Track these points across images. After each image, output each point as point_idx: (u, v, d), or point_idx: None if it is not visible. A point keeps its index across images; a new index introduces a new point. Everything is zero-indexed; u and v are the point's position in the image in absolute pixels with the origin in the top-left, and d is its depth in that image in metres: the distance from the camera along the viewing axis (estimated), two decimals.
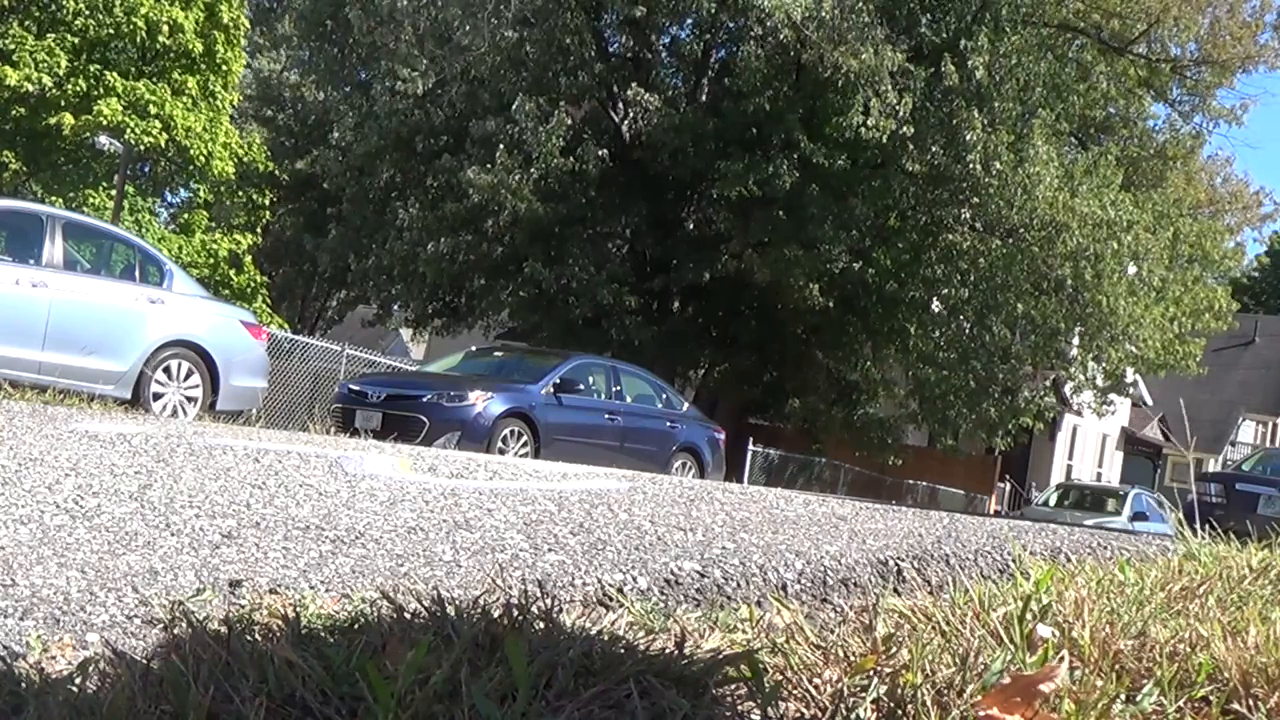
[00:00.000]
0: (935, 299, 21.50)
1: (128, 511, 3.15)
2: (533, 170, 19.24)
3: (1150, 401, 36.11)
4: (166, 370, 9.32)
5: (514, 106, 19.52)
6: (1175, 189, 24.39)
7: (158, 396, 9.25)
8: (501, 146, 19.22)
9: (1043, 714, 1.67)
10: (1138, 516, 20.31)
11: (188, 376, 9.45)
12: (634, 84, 20.13)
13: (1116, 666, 2.00)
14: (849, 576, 3.15)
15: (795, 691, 1.76)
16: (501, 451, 11.48)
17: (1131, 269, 20.21)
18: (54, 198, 20.40)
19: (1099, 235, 19.12)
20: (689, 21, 22.25)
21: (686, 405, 15.53)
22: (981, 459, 27.81)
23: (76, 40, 21.47)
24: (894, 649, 1.88)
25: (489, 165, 19.13)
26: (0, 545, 2.59)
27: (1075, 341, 21.35)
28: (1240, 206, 28.98)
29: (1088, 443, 34.11)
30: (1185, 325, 21.27)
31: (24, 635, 1.95)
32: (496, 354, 15.12)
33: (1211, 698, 1.90)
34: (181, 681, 1.57)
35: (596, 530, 3.46)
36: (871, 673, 1.78)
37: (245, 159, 24.23)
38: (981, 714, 1.68)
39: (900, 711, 1.69)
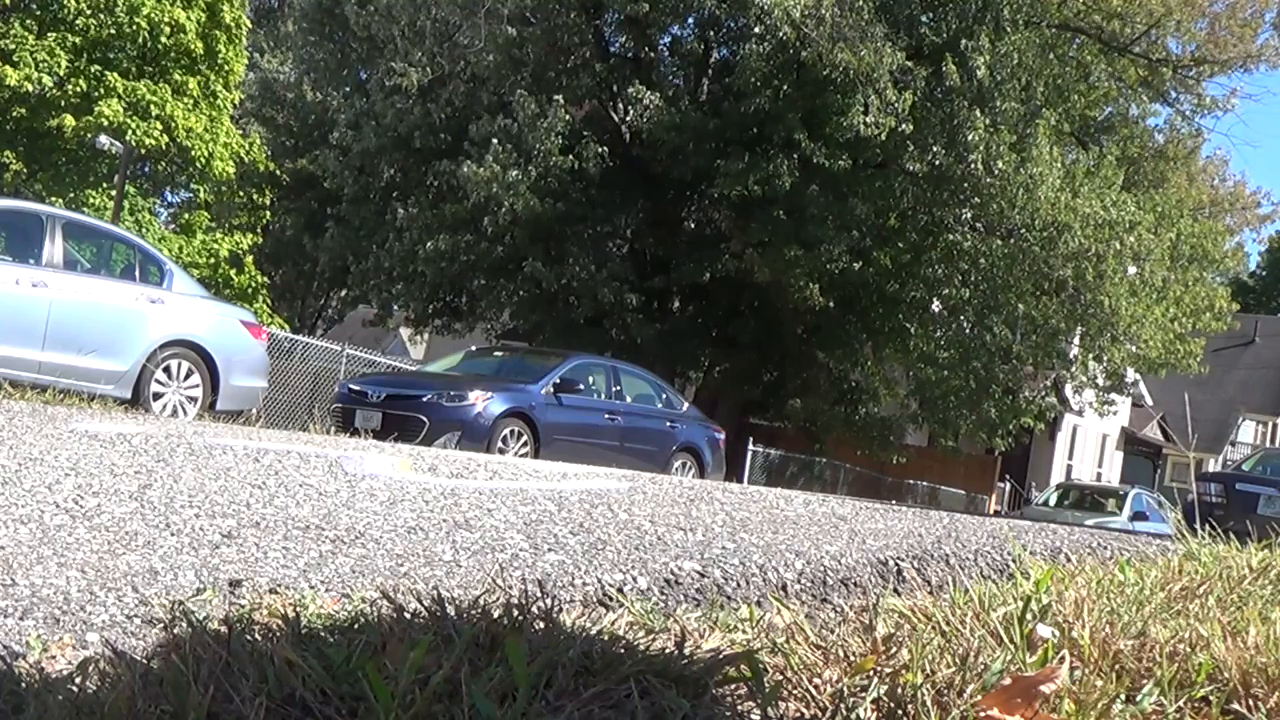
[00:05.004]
0: (936, 299, 21.50)
1: (128, 511, 3.15)
2: (531, 167, 19.24)
3: (1150, 401, 36.10)
4: (167, 370, 9.32)
5: (513, 101, 19.52)
6: (1178, 189, 24.40)
7: (158, 396, 9.25)
8: (495, 141, 19.21)
9: (1043, 714, 1.67)
10: (1138, 516, 20.28)
11: (188, 376, 9.45)
12: (635, 82, 20.14)
13: (1116, 666, 1.99)
14: (849, 576, 3.15)
15: (795, 691, 1.76)
16: (501, 451, 11.47)
17: (1132, 270, 20.22)
18: (54, 198, 20.37)
19: (1101, 236, 19.12)
20: (690, 20, 22.26)
21: (686, 405, 15.53)
22: (981, 459, 27.80)
23: (77, 40, 21.45)
24: (894, 649, 1.88)
25: (486, 160, 19.11)
26: (0, 545, 2.59)
27: (1076, 341, 21.35)
28: (1240, 207, 29.00)
29: (1088, 443, 34.11)
30: (1185, 325, 21.28)
31: (24, 635, 1.95)
32: (496, 354, 15.12)
33: (1211, 698, 1.90)
34: (181, 681, 1.57)
35: (596, 530, 3.46)
36: (871, 673, 1.78)
37: (246, 159, 24.23)
38: (982, 714, 1.67)
39: (900, 711, 1.69)
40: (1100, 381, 22.15)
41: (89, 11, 21.44)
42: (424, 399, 12.02)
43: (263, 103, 30.08)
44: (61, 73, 21.13)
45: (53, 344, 8.68)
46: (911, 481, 26.41)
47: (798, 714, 1.71)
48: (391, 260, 21.05)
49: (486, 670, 1.62)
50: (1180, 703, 1.86)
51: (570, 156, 19.68)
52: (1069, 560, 3.81)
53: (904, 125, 18.78)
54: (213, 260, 24.11)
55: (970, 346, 20.97)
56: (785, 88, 20.10)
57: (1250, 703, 1.90)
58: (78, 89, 21.14)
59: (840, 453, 24.50)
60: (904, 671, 1.77)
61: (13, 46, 20.78)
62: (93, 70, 21.52)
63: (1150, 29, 21.36)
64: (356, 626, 1.90)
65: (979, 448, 25.74)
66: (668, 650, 1.81)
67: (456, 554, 2.90)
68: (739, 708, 1.70)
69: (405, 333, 31.24)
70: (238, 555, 2.68)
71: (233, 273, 24.39)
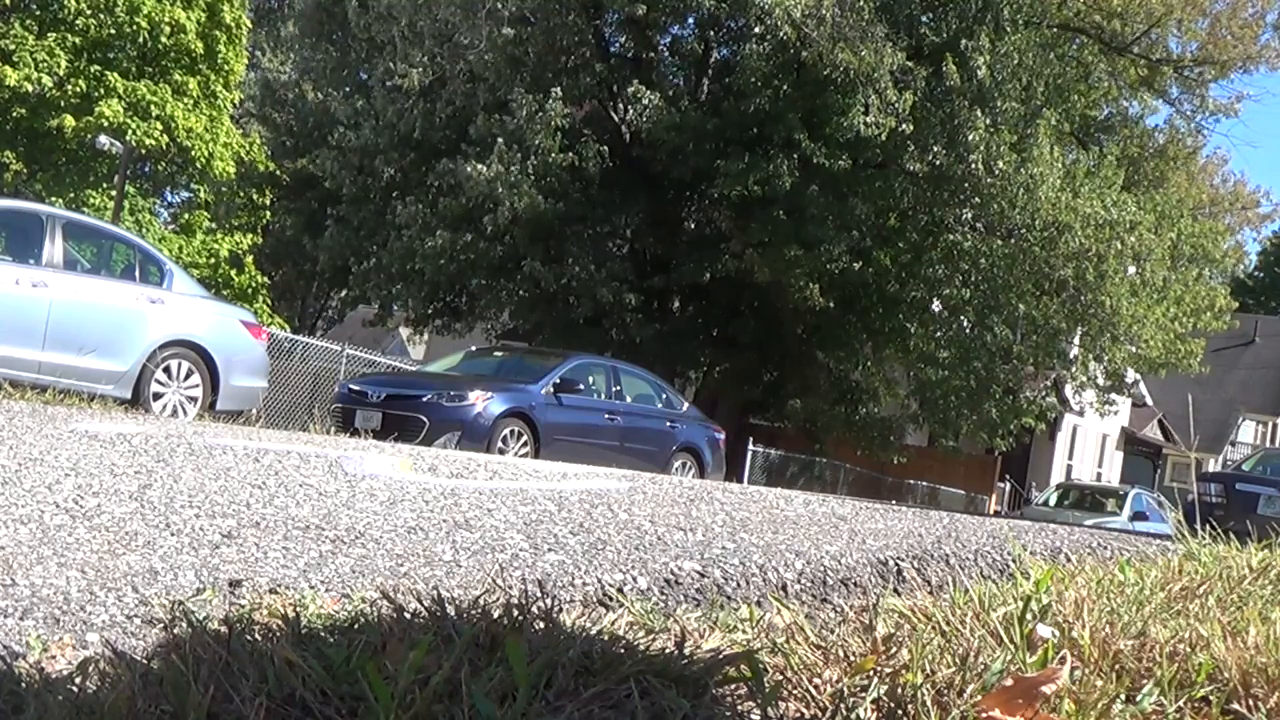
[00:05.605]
0: (936, 299, 21.51)
1: (128, 511, 3.15)
2: (531, 162, 19.22)
3: (1150, 401, 36.11)
4: (167, 370, 9.32)
5: (512, 100, 19.53)
6: (1178, 189, 24.41)
7: (158, 396, 9.25)
8: (500, 142, 19.21)
9: (1043, 715, 1.67)
10: (1138, 516, 20.29)
11: (188, 376, 9.45)
12: (635, 82, 20.14)
13: (1116, 666, 1.99)
14: (849, 576, 3.15)
15: (795, 691, 1.76)
16: (501, 451, 11.47)
17: (1132, 269, 20.23)
18: (54, 198, 20.36)
19: (1101, 236, 19.13)
20: (690, 20, 22.26)
21: (686, 405, 15.53)
22: (981, 459, 27.81)
23: (78, 40, 21.45)
24: (894, 649, 1.88)
25: (489, 159, 19.12)
26: (0, 545, 2.59)
27: (1076, 342, 21.35)
28: (1240, 206, 28.99)
29: (1088, 443, 34.11)
30: (1186, 325, 21.30)
31: (24, 635, 1.95)
32: (496, 354, 15.12)
33: (1211, 698, 1.90)
34: (181, 681, 1.57)
35: (596, 530, 3.46)
36: (871, 673, 1.78)
37: (246, 159, 24.23)
38: (982, 714, 1.67)
39: (900, 712, 1.69)
40: (1100, 381, 22.16)
41: (89, 11, 21.43)
42: (424, 399, 12.02)
43: (263, 103, 30.07)
44: (61, 73, 21.12)
45: (53, 344, 8.68)
46: (911, 481, 26.41)
47: (798, 714, 1.71)
48: (390, 258, 21.05)
49: (486, 670, 1.62)
50: (1180, 703, 1.85)
51: (570, 155, 19.68)
52: (1069, 560, 3.82)
53: (904, 125, 18.78)
54: (213, 260, 24.11)
55: (971, 346, 20.97)
56: (785, 88, 20.10)
57: (1250, 703, 1.90)
58: (78, 89, 21.13)
59: (840, 453, 24.49)
60: (904, 671, 1.77)
61: (13, 46, 20.77)
62: (93, 70, 21.51)
63: (1150, 29, 21.36)
64: (356, 626, 1.90)
65: (979, 448, 25.74)
66: (668, 650, 1.81)
67: (456, 554, 2.90)
68: (739, 708, 1.70)
69: (405, 333, 31.25)
70: (238, 555, 2.68)
71: (233, 273, 24.38)
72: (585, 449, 12.13)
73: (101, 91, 21.29)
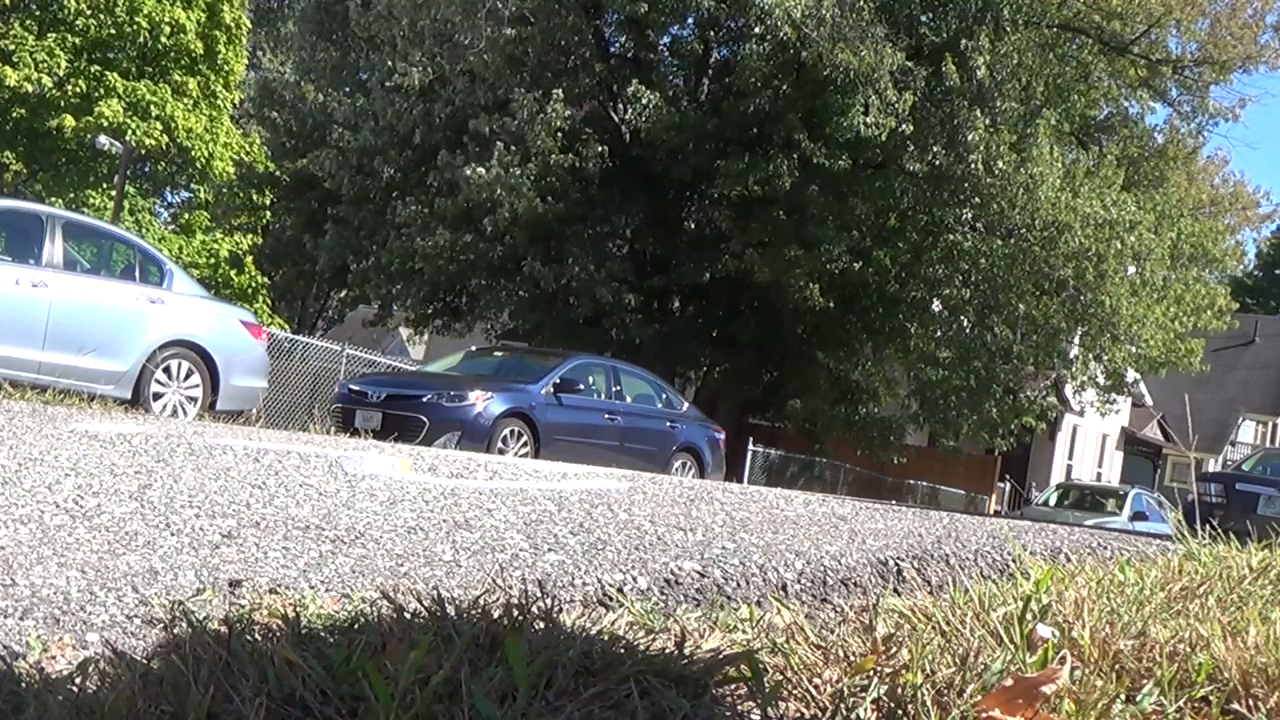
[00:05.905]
0: (936, 299, 21.51)
1: (128, 511, 3.15)
2: (531, 164, 19.22)
3: (1150, 401, 36.11)
4: (167, 370, 9.32)
5: (513, 100, 19.53)
6: (1178, 189, 24.42)
7: (158, 396, 9.25)
8: (500, 144, 19.21)
9: (1044, 715, 1.67)
10: (1137, 516, 20.29)
11: (188, 376, 9.45)
12: (635, 82, 20.14)
13: (1116, 666, 1.99)
14: (849, 576, 3.15)
15: (795, 691, 1.76)
16: (501, 451, 11.47)
17: (1132, 269, 20.24)
18: (54, 198, 20.37)
19: (1101, 236, 19.14)
20: (690, 20, 22.27)
21: (686, 405, 15.53)
22: (981, 459, 27.81)
23: (77, 40, 21.45)
24: (894, 649, 1.88)
25: (489, 163, 19.13)
26: (0, 545, 2.59)
27: (1076, 341, 21.36)
28: (1240, 207, 29.00)
29: (1088, 443, 34.11)
30: (1186, 324, 21.30)
31: (24, 635, 1.95)
32: (496, 354, 15.12)
33: (1211, 698, 1.90)
34: (181, 681, 1.57)
35: (596, 530, 3.46)
36: (871, 673, 1.78)
37: (246, 159, 24.23)
38: (983, 714, 1.67)
39: (900, 712, 1.69)
40: (1100, 381, 22.16)
41: (89, 11, 21.43)
42: (424, 399, 12.02)
43: (262, 103, 30.06)
44: (61, 73, 21.12)
45: (53, 344, 8.68)
46: (911, 481, 26.41)
47: (798, 714, 1.71)
48: (390, 258, 21.05)
49: (486, 670, 1.62)
50: (1180, 703, 1.85)
51: (570, 155, 19.69)
52: (1069, 560, 3.82)
53: (904, 125, 18.79)
54: (213, 260, 24.12)
55: (971, 346, 20.97)
56: (785, 88, 20.10)
57: (1250, 703, 1.90)
58: (78, 89, 21.14)
59: (840, 453, 24.49)
60: (904, 671, 1.77)
61: (13, 47, 20.77)
62: (93, 70, 21.51)
63: (1150, 29, 21.37)
64: (356, 626, 1.90)
65: (979, 448, 25.75)
66: (668, 650, 1.81)
67: (456, 554, 2.90)
68: (739, 708, 1.70)
69: (405, 333, 31.25)
70: (238, 555, 2.68)
71: (233, 273, 24.39)
72: (585, 449, 12.13)
73: (101, 91, 21.29)
